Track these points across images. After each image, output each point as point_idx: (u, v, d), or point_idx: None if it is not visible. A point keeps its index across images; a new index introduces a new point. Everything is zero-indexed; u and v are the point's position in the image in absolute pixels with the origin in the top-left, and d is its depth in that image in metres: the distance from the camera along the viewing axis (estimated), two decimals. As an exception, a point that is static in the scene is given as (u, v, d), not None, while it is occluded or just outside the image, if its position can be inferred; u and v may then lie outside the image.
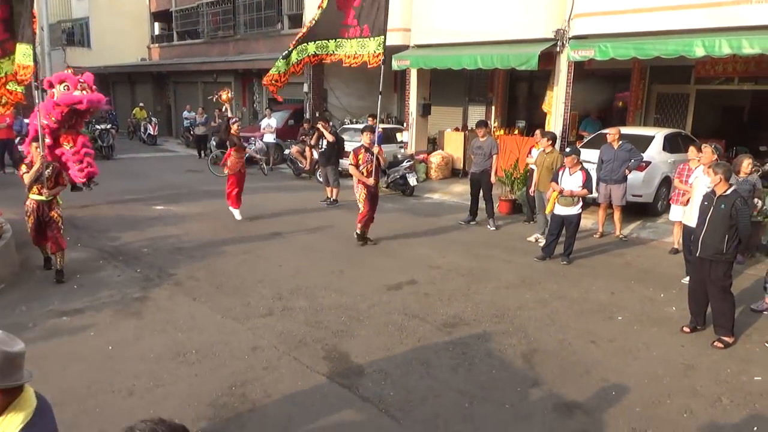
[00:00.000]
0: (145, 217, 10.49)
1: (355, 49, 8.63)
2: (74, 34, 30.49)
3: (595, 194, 8.99)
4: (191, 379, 4.79)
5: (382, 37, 8.36)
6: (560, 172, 8.04)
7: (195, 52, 25.14)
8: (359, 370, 4.97)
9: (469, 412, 4.34)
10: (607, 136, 9.52)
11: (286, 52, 8.87)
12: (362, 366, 5.03)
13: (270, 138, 16.85)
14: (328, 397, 4.54)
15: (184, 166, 17.45)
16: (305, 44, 8.79)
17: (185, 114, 22.01)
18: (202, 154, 18.85)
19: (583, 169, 7.91)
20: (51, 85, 10.17)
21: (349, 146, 14.07)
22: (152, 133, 23.31)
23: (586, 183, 7.82)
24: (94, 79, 10.76)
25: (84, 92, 10.17)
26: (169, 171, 16.53)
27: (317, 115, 17.87)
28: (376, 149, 8.63)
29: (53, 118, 9.96)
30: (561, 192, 7.88)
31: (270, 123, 16.91)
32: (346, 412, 4.33)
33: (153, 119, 24.07)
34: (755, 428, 4.21)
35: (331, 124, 14.39)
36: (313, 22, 8.75)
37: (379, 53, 8.40)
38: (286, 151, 16.28)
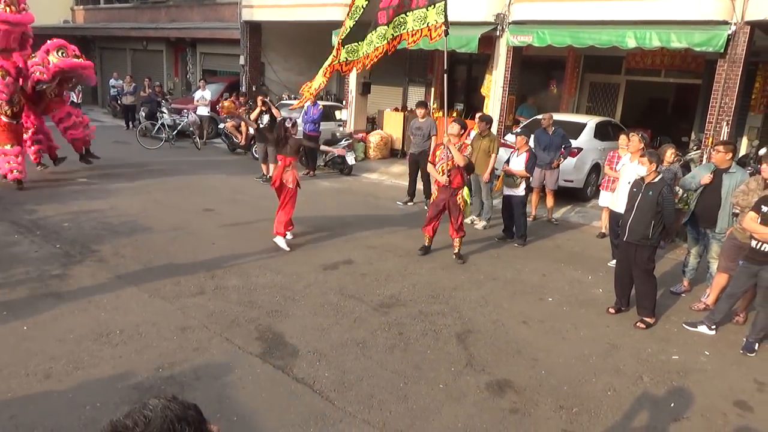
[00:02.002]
0: (67, 189, 9.90)
1: (412, 25, 7.01)
2: (-13, -11, 28.18)
3: None
4: (115, 361, 4.55)
5: (443, 2, 6.83)
6: (512, 154, 8.21)
7: (123, 17, 23.80)
8: (293, 350, 4.88)
9: (403, 392, 4.35)
10: (542, 121, 9.72)
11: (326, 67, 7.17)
12: (296, 347, 4.95)
13: (203, 111, 16.22)
14: (260, 378, 4.44)
15: (111, 137, 16.54)
16: (352, 45, 7.04)
17: (112, 82, 20.90)
18: (131, 125, 17.96)
19: (529, 151, 8.07)
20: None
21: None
22: (76, 101, 21.83)
23: (527, 165, 7.98)
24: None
25: (80, 59, 10.35)
26: (95, 142, 15.61)
27: (254, 89, 17.36)
28: (451, 144, 7.07)
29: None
30: (508, 175, 8.08)
31: (204, 95, 16.27)
32: (279, 394, 4.24)
33: (77, 86, 22.66)
34: (672, 404, 4.43)
35: (268, 98, 14.00)
36: (350, 23, 7.03)
37: (441, 23, 6.84)
38: (221, 126, 15.75)
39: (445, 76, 7.58)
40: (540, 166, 9.51)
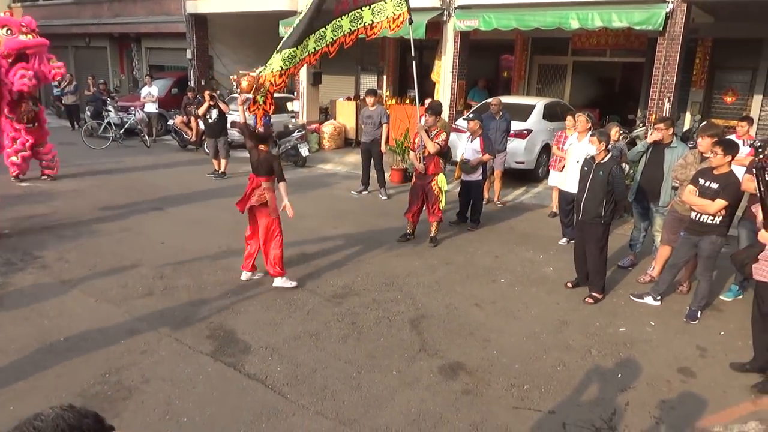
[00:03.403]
0: (7, 194, 9.48)
1: (371, 18, 6.97)
2: None
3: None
4: (59, 369, 4.42)
5: None
6: (466, 140, 8.24)
7: (64, 14, 22.90)
8: (245, 347, 4.82)
9: (356, 382, 4.35)
10: (491, 106, 9.76)
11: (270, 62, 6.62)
12: (248, 343, 4.89)
13: (151, 107, 15.82)
14: (211, 377, 4.37)
15: (56, 139, 15.87)
16: (302, 43, 6.62)
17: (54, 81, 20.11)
18: (76, 125, 17.36)
19: (481, 135, 8.15)
20: None
21: (238, 116, 13.59)
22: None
23: (485, 147, 8.06)
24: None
25: (29, 36, 9.40)
26: (38, 144, 15.07)
27: (203, 83, 17.01)
28: (422, 129, 7.27)
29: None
30: (465, 161, 8.11)
31: (151, 91, 15.86)
32: (230, 391, 4.18)
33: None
34: (619, 375, 4.55)
35: (218, 93, 13.73)
36: (302, 16, 6.72)
37: (401, 14, 6.93)
38: (170, 122, 15.38)
39: (414, 63, 7.64)
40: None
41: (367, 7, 6.96)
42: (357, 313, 5.48)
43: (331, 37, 6.83)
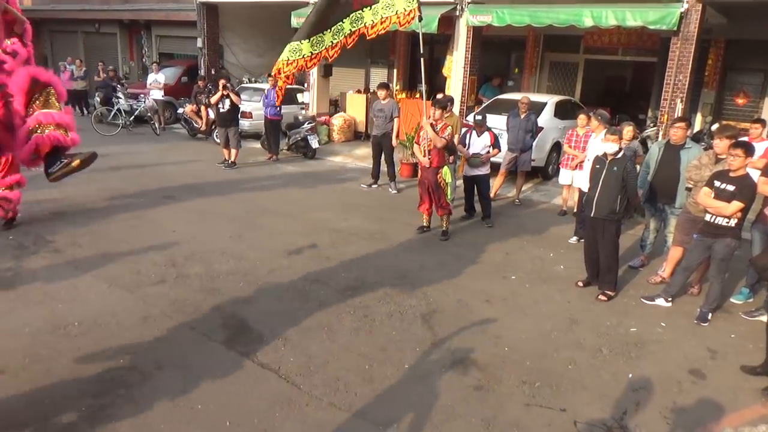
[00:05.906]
0: (19, 179, 9.52)
1: (381, 13, 7.05)
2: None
3: (499, 159, 9.22)
4: (73, 353, 4.45)
5: None
6: (467, 135, 8.22)
7: (74, -1, 22.91)
8: (258, 336, 4.84)
9: (369, 375, 4.37)
10: (520, 104, 9.39)
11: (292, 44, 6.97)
12: (261, 332, 4.91)
13: (157, 95, 15.77)
14: (224, 365, 4.39)
15: (65, 124, 16.01)
16: (318, 36, 6.96)
17: (67, 66, 20.11)
18: (85, 111, 17.36)
19: (489, 129, 8.15)
20: None
21: (247, 106, 13.59)
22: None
23: (496, 142, 8.10)
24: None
25: None
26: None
27: (213, 72, 16.98)
28: (427, 123, 7.26)
29: None
30: (471, 155, 8.12)
31: (157, 78, 15.78)
32: (243, 380, 4.21)
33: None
34: (630, 375, 4.56)
35: (230, 83, 13.72)
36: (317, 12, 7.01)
37: (412, 10, 6.97)
38: (180, 110, 15.37)
39: (422, 59, 7.69)
40: (512, 150, 9.44)
41: (372, 6, 7.04)
42: (369, 306, 5.50)
43: (350, 29, 6.93)
